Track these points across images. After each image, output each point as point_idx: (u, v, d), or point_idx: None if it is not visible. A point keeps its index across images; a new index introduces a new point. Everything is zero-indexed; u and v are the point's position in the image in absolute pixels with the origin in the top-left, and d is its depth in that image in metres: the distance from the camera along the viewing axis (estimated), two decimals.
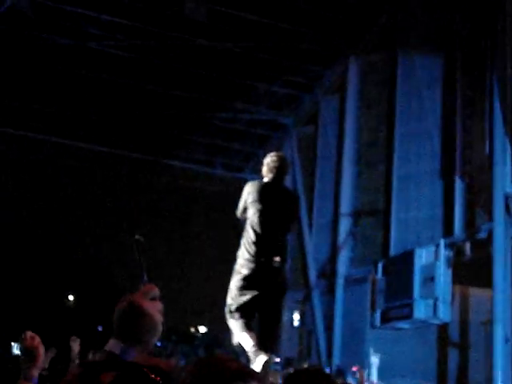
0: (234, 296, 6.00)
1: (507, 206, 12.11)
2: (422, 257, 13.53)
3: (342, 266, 16.30)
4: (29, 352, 3.21)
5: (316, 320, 17.19)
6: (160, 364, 2.04)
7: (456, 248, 13.31)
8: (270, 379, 6.06)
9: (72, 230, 23.17)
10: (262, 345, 5.72)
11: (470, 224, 13.15)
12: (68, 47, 16.19)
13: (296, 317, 18.02)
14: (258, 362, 5.52)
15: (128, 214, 21.62)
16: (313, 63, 17.37)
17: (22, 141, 20.17)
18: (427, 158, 14.37)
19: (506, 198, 12.09)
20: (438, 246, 13.29)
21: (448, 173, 13.70)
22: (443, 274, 13.14)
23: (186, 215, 23.29)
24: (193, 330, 25.97)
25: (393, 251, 14.76)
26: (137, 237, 2.36)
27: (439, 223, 13.83)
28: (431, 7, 14.76)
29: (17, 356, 9.30)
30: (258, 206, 6.09)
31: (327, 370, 13.07)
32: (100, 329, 19.53)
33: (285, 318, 17.56)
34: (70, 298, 26.36)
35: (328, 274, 17.17)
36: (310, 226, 18.21)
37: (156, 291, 2.13)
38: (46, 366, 7.40)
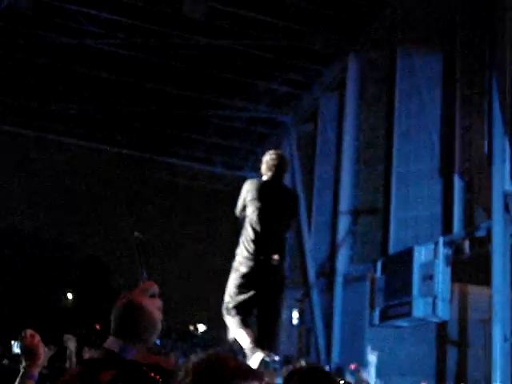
0: (231, 293, 6.01)
1: (506, 205, 12.11)
2: (421, 255, 13.54)
3: (341, 265, 16.30)
4: (29, 350, 3.20)
5: (315, 318, 17.20)
6: (160, 362, 2.03)
7: (455, 246, 13.32)
8: (266, 379, 6.05)
9: (71, 228, 23.14)
10: (261, 343, 5.72)
11: (469, 222, 13.16)
12: (67, 45, 16.19)
13: (295, 315, 18.01)
14: (254, 360, 5.52)
15: (127, 211, 21.67)
16: (312, 61, 17.35)
17: (20, 138, 20.17)
18: (426, 157, 14.38)
19: (505, 196, 12.09)
20: (436, 244, 13.30)
21: (447, 171, 13.71)
22: (442, 272, 13.15)
23: (186, 213, 23.28)
24: (192, 328, 25.96)
25: (392, 249, 14.77)
26: (136, 234, 2.36)
27: (438, 221, 13.84)
28: (431, 4, 14.75)
29: (17, 354, 9.31)
30: (257, 204, 6.09)
31: (326, 368, 13.06)
32: (98, 327, 19.49)
33: (284, 316, 17.57)
34: (69, 296, 26.36)
35: (327, 272, 17.18)
36: (309, 224, 18.22)
37: (155, 288, 2.13)
38: (45, 364, 7.40)
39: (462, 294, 15.65)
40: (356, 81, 16.85)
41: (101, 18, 15.30)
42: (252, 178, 7.04)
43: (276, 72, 17.64)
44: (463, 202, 13.26)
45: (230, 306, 5.97)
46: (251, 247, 5.98)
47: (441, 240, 13.26)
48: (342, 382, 8.27)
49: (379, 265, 14.72)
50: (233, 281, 6.04)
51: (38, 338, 3.22)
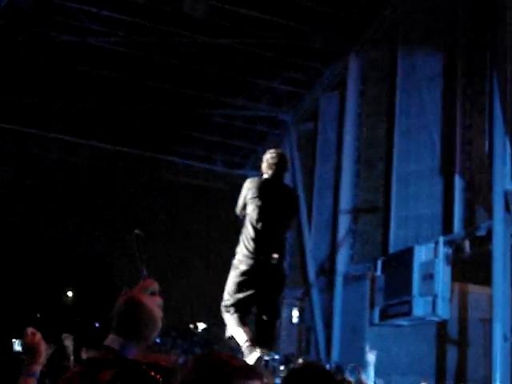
0: (230, 291, 6.00)
1: (507, 204, 12.11)
2: (422, 254, 13.54)
3: (341, 264, 16.30)
4: (30, 348, 3.20)
5: (315, 317, 17.19)
6: (160, 360, 2.03)
7: (455, 245, 13.33)
8: (265, 380, 6.05)
9: (72, 226, 23.16)
10: (259, 342, 5.72)
11: (469, 221, 13.15)
12: (68, 43, 16.18)
13: (295, 314, 18.03)
14: (251, 358, 5.52)
15: (128, 209, 21.68)
16: (313, 60, 17.35)
17: (21, 137, 20.15)
18: (427, 156, 14.37)
19: (506, 195, 12.10)
20: (437, 243, 13.30)
21: (448, 170, 13.70)
22: (442, 272, 13.15)
23: (186, 211, 23.29)
24: (192, 326, 25.99)
25: (392, 249, 14.76)
26: (136, 231, 2.36)
27: (439, 221, 13.83)
28: (431, 4, 14.75)
29: (18, 352, 9.32)
30: (258, 203, 6.08)
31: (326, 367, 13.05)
32: (97, 325, 19.52)
33: (284, 314, 17.60)
34: (69, 294, 26.38)
35: (327, 271, 17.17)
36: (310, 223, 18.21)
37: (155, 286, 2.13)
38: (45, 362, 7.39)
39: (462, 294, 15.67)
40: (356, 80, 16.84)
41: (102, 16, 15.31)
42: (252, 176, 7.04)
43: (276, 71, 17.64)
44: (464, 202, 13.26)
45: (229, 303, 5.96)
46: (251, 245, 5.98)
47: (441, 239, 13.26)
48: (341, 379, 8.26)
49: (379, 264, 14.72)
50: (232, 279, 6.04)
51: (39, 335, 3.23)
